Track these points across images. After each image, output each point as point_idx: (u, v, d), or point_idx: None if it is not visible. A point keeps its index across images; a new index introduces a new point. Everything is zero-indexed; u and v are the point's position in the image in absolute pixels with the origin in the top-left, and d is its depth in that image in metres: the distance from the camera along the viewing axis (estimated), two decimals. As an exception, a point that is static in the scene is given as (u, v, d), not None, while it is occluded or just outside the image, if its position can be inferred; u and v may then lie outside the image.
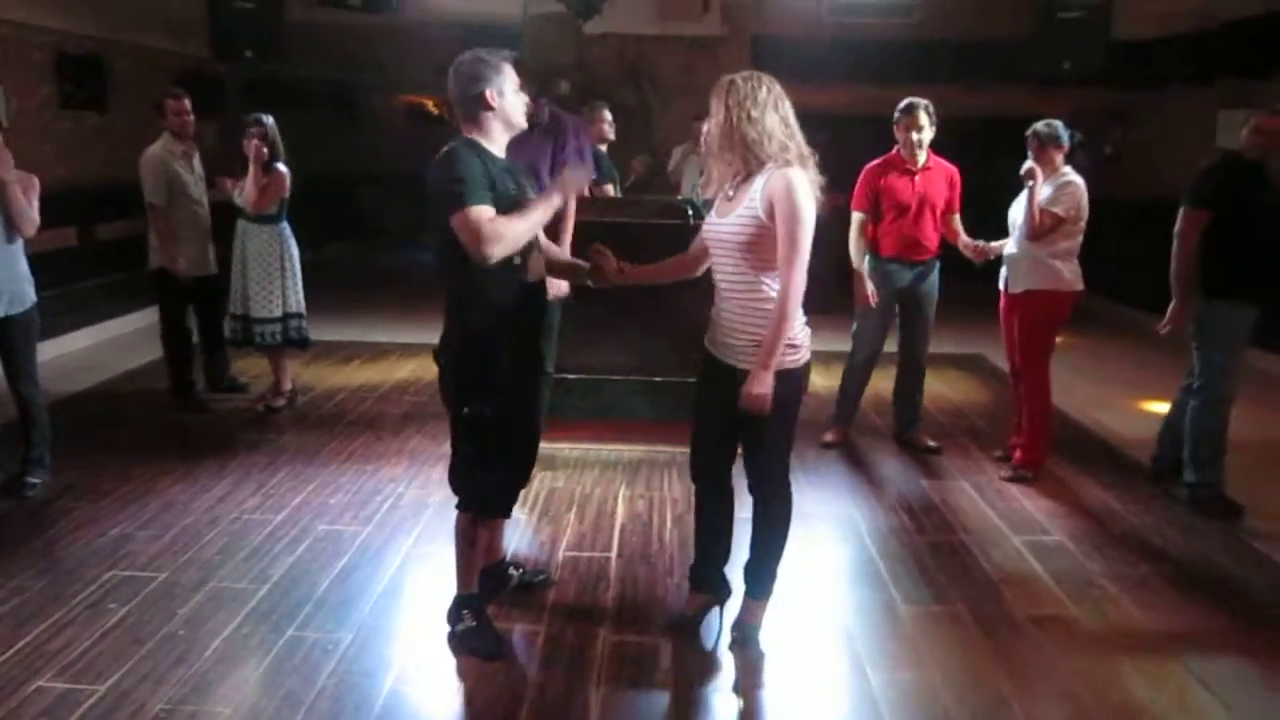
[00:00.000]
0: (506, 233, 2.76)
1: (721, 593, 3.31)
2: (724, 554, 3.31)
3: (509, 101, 2.92)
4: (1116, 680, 3.02)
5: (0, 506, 4.17)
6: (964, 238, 4.90)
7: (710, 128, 2.93)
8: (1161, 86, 8.49)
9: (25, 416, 4.35)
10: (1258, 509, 4.31)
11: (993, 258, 4.83)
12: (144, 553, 3.76)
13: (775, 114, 2.85)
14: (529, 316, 3.06)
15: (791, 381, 2.92)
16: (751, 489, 3.11)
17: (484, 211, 2.73)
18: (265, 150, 5.28)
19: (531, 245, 3.04)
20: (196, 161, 5.61)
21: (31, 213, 4.17)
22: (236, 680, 2.92)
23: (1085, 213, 4.53)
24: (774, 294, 2.87)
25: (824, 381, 6.59)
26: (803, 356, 2.95)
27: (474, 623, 3.11)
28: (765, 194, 2.80)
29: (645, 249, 3.32)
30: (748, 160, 2.85)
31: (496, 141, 2.93)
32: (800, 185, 2.80)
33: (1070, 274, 4.57)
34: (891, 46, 8.60)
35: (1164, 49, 7.92)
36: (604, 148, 5.93)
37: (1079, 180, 4.53)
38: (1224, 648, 3.25)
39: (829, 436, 5.25)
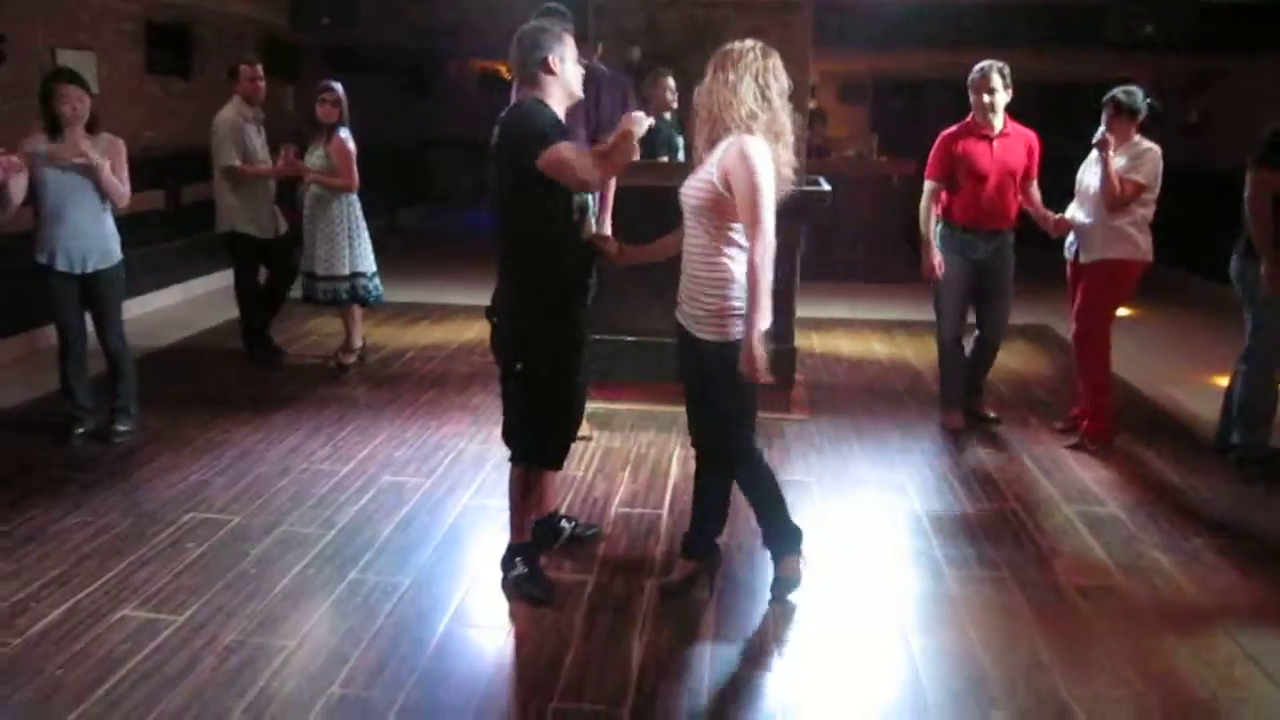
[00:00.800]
0: (601, 161, 2.93)
1: (711, 559, 3.35)
2: (715, 522, 3.32)
3: (569, 69, 3.05)
4: (1160, 651, 3.01)
5: (91, 452, 4.45)
6: (1042, 209, 4.73)
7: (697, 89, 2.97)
8: (1251, 51, 8.14)
9: (113, 368, 4.61)
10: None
11: (1070, 230, 4.69)
12: (220, 498, 3.99)
13: (753, 82, 2.84)
14: (580, 274, 3.15)
15: (736, 350, 2.90)
16: (716, 455, 3.17)
17: (571, 147, 2.91)
18: (337, 113, 5.50)
19: (587, 206, 3.14)
20: (262, 128, 5.80)
21: (123, 187, 4.43)
22: (301, 616, 3.10)
23: (1159, 180, 4.43)
24: (729, 264, 2.89)
25: (886, 350, 6.61)
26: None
27: (525, 569, 3.25)
28: (722, 160, 2.82)
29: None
30: (715, 123, 2.87)
31: (558, 106, 3.05)
32: (755, 152, 2.79)
33: (1145, 243, 4.47)
34: (967, 10, 8.40)
35: (1254, 11, 7.59)
36: (668, 116, 5.92)
37: (1155, 147, 4.41)
38: (1274, 622, 3.21)
39: (951, 423, 4.98)
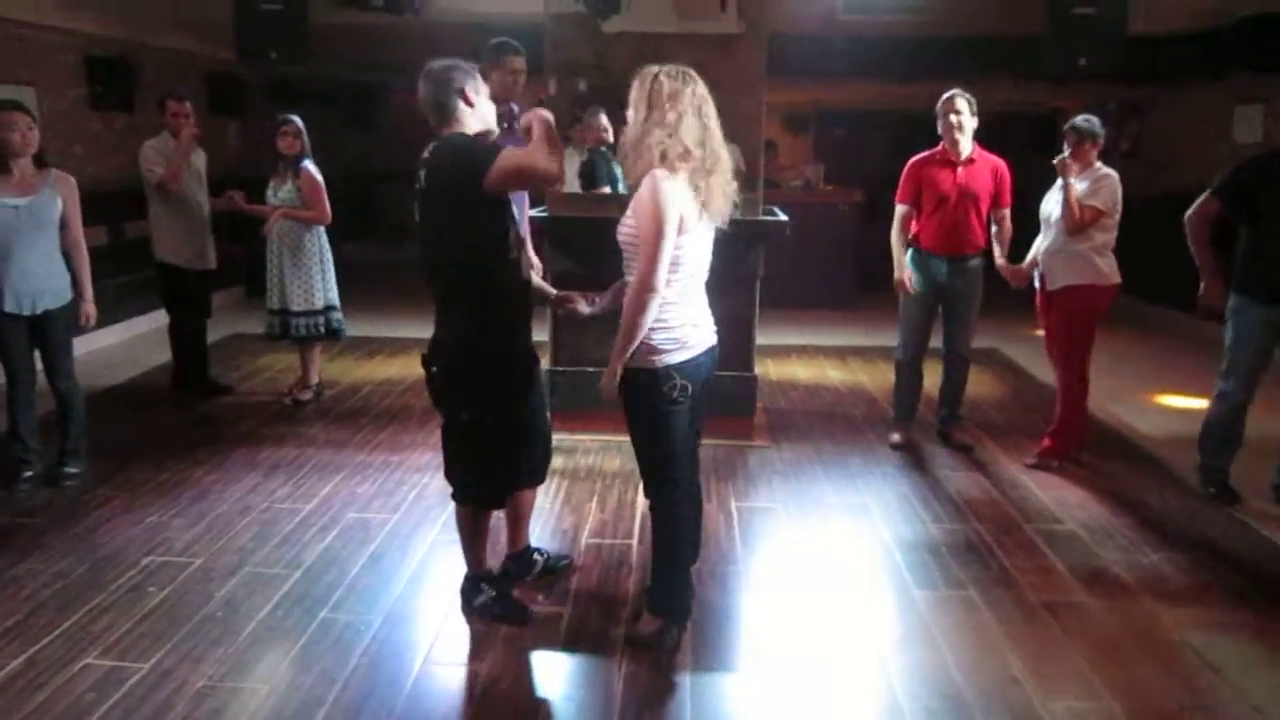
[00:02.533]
0: (548, 149, 2.89)
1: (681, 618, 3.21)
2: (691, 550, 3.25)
3: (484, 101, 3.05)
4: (1127, 664, 3.08)
5: (40, 496, 4.32)
6: (1000, 259, 4.88)
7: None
8: (1177, 82, 8.50)
9: (63, 408, 4.49)
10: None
11: (1029, 280, 4.83)
12: (179, 540, 3.89)
13: (656, 112, 2.75)
14: (520, 313, 3.13)
15: (637, 379, 2.85)
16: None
17: (514, 150, 2.89)
18: (300, 145, 5.49)
19: (521, 243, 3.16)
20: (201, 162, 5.81)
21: (87, 263, 4.50)
22: (273, 659, 3.03)
23: (1120, 206, 4.55)
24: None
25: (841, 376, 6.70)
26: (653, 359, 2.83)
27: (493, 593, 3.25)
28: (635, 199, 2.78)
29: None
30: (626, 159, 2.84)
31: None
32: (658, 187, 2.70)
33: (1107, 267, 4.58)
34: (907, 43, 8.63)
35: (1179, 45, 7.93)
36: (604, 150, 6.00)
37: (1114, 174, 4.55)
38: (1233, 632, 3.30)
39: (895, 437, 5.16)
